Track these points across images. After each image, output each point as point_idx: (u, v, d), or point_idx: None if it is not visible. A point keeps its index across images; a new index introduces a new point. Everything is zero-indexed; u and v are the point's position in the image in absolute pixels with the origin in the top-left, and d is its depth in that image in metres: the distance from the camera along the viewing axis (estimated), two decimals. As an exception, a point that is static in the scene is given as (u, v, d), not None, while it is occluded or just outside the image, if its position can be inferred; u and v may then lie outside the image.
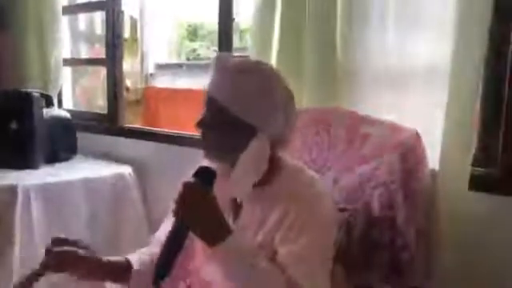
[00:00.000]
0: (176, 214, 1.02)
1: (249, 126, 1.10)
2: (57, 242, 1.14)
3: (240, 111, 1.09)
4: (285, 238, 1.07)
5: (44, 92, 2.58)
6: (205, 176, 1.05)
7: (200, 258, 1.21)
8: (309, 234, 1.06)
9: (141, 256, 1.25)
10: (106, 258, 1.19)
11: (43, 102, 2.41)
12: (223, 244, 1.00)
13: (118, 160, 2.53)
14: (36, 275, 1.13)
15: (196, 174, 1.05)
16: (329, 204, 1.16)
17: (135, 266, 1.21)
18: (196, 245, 1.17)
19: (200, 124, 1.14)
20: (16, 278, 1.89)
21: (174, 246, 1.03)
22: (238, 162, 1.11)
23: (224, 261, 1.02)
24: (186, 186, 1.03)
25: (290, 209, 1.08)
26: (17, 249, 1.93)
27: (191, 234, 1.03)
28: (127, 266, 1.21)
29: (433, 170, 1.39)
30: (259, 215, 1.13)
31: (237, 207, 1.18)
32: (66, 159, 2.50)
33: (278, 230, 1.08)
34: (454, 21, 1.35)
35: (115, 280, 1.23)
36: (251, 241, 1.11)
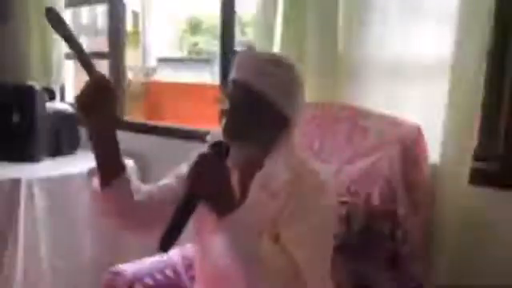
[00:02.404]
0: (189, 182, 1.03)
1: (280, 115, 1.13)
2: None
3: (278, 100, 1.12)
4: (287, 222, 1.09)
5: (46, 86, 2.59)
6: (219, 148, 1.06)
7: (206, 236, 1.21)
8: (311, 220, 1.08)
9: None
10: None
11: (46, 96, 2.42)
12: (233, 215, 1.01)
13: (120, 153, 2.54)
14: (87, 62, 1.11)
15: (211, 147, 1.07)
16: (331, 194, 1.18)
17: (126, 174, 1.16)
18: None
19: (234, 109, 1.14)
20: (20, 267, 1.92)
21: (183, 214, 1.03)
22: (274, 153, 1.14)
23: (232, 232, 1.02)
24: (201, 156, 1.04)
25: (294, 195, 1.10)
26: (21, 240, 1.94)
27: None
28: (120, 167, 1.16)
29: (433, 164, 1.40)
30: (264, 200, 1.14)
31: (243, 190, 1.18)
32: (69, 153, 2.50)
33: (281, 215, 1.10)
34: (457, 13, 1.36)
35: (104, 171, 1.17)
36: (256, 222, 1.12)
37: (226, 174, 1.05)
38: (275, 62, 1.15)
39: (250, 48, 1.21)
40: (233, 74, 1.17)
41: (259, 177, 1.15)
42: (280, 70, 1.13)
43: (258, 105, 1.12)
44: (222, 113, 1.16)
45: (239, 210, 1.03)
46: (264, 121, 1.13)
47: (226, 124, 1.15)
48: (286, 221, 1.09)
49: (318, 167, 1.20)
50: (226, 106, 1.16)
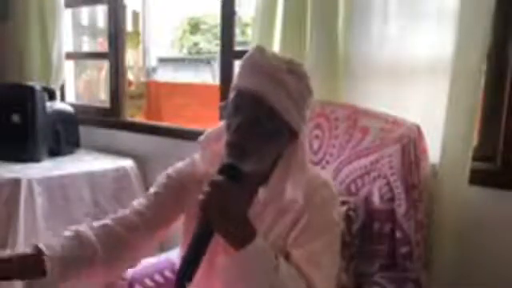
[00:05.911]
0: (202, 214, 0.96)
1: (290, 128, 1.05)
2: None
3: (289, 112, 1.03)
4: (299, 240, 1.05)
5: (47, 86, 2.59)
6: (233, 174, 0.98)
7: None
8: (323, 238, 1.05)
9: (64, 240, 1.08)
10: (5, 254, 1.01)
11: (46, 96, 2.42)
12: (251, 245, 0.95)
13: (120, 153, 2.54)
14: None
15: (223, 172, 0.98)
16: (339, 206, 1.14)
17: (47, 252, 1.02)
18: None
19: (242, 123, 1.02)
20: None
21: (198, 249, 0.96)
22: (280, 167, 1.07)
23: (250, 263, 0.97)
24: (214, 183, 0.96)
25: (303, 211, 1.05)
26: (21, 239, 1.94)
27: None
28: (37, 254, 1.01)
29: (433, 164, 1.40)
30: (270, 215, 1.09)
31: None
32: (69, 152, 2.51)
33: (290, 232, 1.06)
34: (457, 13, 1.36)
35: (22, 275, 1.03)
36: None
37: (242, 202, 0.98)
38: (288, 69, 1.04)
39: (260, 50, 1.06)
40: (240, 81, 1.06)
41: (264, 192, 1.08)
42: (293, 79, 1.03)
43: (269, 118, 1.02)
44: (222, 116, 1.07)
45: (258, 237, 0.97)
46: (272, 135, 1.04)
47: (233, 139, 1.03)
48: (298, 238, 1.05)
49: (328, 178, 1.15)
50: (229, 113, 1.05)
